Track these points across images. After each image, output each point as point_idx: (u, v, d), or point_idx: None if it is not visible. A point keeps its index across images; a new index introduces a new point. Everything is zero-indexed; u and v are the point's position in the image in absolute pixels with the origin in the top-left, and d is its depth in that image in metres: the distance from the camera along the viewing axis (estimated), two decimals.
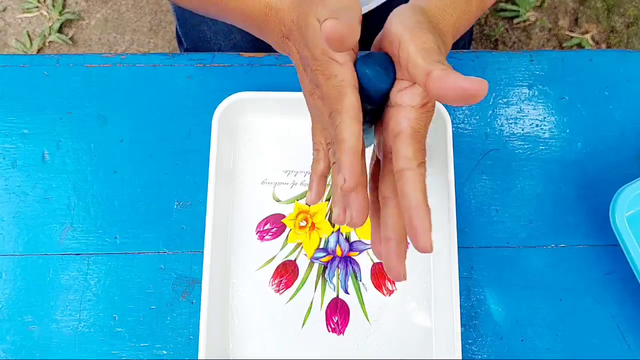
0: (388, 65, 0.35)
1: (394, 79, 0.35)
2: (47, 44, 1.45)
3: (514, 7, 1.42)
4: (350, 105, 0.32)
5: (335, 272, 0.56)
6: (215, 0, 0.47)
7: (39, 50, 1.44)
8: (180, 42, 0.82)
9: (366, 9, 0.75)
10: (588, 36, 1.42)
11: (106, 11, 1.47)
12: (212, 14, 0.51)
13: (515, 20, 1.43)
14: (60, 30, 1.45)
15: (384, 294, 0.55)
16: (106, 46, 1.45)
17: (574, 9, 1.44)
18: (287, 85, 0.60)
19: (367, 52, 0.36)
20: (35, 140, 0.59)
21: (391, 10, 0.71)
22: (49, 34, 1.44)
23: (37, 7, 1.45)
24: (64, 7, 1.46)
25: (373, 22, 0.77)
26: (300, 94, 0.55)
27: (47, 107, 0.60)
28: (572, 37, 1.42)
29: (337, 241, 0.56)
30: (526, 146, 0.60)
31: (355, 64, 0.35)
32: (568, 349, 0.55)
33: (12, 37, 1.45)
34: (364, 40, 0.82)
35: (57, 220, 0.57)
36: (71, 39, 1.45)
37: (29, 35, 1.44)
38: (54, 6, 1.45)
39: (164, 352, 0.54)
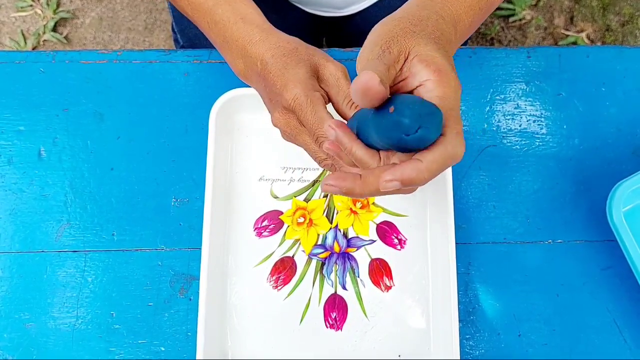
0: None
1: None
2: (41, 42, 1.44)
3: (510, 6, 1.43)
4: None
5: (333, 268, 0.56)
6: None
7: (33, 49, 1.43)
8: (176, 40, 0.82)
9: (358, 7, 0.75)
10: (583, 35, 1.42)
11: (101, 10, 1.47)
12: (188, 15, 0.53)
13: (511, 19, 1.43)
14: (54, 29, 1.44)
15: (381, 290, 0.56)
16: (101, 45, 1.45)
17: (570, 8, 1.45)
18: None
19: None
20: (31, 137, 0.59)
21: (382, 10, 0.73)
22: (43, 33, 1.43)
23: (31, 5, 1.45)
24: (58, 5, 1.45)
25: (364, 20, 0.77)
26: None
27: (43, 104, 0.59)
28: (567, 36, 1.43)
29: (335, 237, 0.56)
30: (523, 142, 0.60)
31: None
32: (565, 344, 0.55)
33: (6, 36, 1.44)
34: (356, 38, 0.82)
35: (53, 217, 0.57)
36: (65, 37, 1.44)
37: (23, 34, 1.43)
38: (48, 5, 1.45)
39: (162, 348, 0.54)
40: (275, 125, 0.46)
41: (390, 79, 0.36)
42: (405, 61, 0.36)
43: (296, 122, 0.44)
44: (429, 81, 0.35)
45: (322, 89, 0.45)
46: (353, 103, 0.43)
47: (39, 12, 1.45)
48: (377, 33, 0.39)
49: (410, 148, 0.33)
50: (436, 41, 0.38)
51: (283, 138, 0.47)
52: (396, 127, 0.32)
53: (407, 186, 0.34)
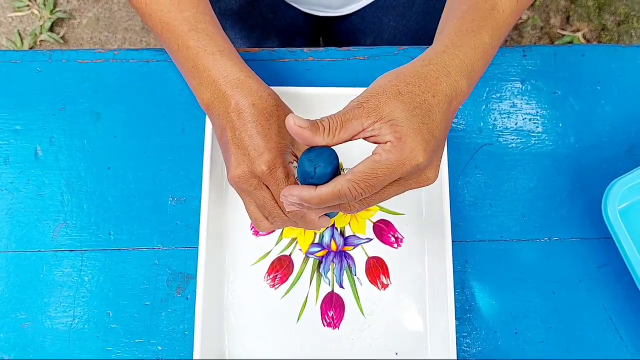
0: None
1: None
2: (38, 43, 1.44)
3: None
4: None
5: (330, 267, 0.56)
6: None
7: (30, 49, 1.43)
8: None
9: (355, 7, 0.75)
10: (579, 34, 1.43)
11: (98, 10, 1.47)
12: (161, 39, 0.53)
13: None
14: (51, 29, 1.44)
15: (378, 288, 0.56)
16: (98, 45, 1.45)
17: (566, 8, 1.45)
18: (281, 80, 0.60)
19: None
20: (27, 136, 0.59)
21: (378, 10, 0.72)
22: (40, 33, 1.43)
23: (27, 5, 1.45)
24: (55, 5, 1.45)
25: (361, 20, 0.77)
26: (294, 89, 0.55)
27: (40, 103, 0.59)
28: (563, 35, 1.43)
29: (332, 236, 0.57)
30: (519, 140, 0.60)
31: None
32: (561, 341, 0.56)
33: (2, 36, 1.44)
34: (353, 38, 0.82)
35: (50, 217, 0.57)
36: (62, 37, 1.44)
37: (19, 34, 1.43)
38: (45, 5, 1.44)
39: (159, 347, 0.54)
40: (232, 179, 0.47)
41: (350, 132, 0.39)
42: (379, 120, 0.39)
43: (257, 182, 0.46)
44: (388, 143, 0.39)
45: (294, 152, 0.48)
46: None
47: (36, 12, 1.45)
48: (374, 84, 0.41)
49: (318, 184, 0.40)
50: (417, 106, 0.40)
51: (230, 183, 0.48)
52: (303, 175, 0.40)
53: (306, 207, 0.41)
